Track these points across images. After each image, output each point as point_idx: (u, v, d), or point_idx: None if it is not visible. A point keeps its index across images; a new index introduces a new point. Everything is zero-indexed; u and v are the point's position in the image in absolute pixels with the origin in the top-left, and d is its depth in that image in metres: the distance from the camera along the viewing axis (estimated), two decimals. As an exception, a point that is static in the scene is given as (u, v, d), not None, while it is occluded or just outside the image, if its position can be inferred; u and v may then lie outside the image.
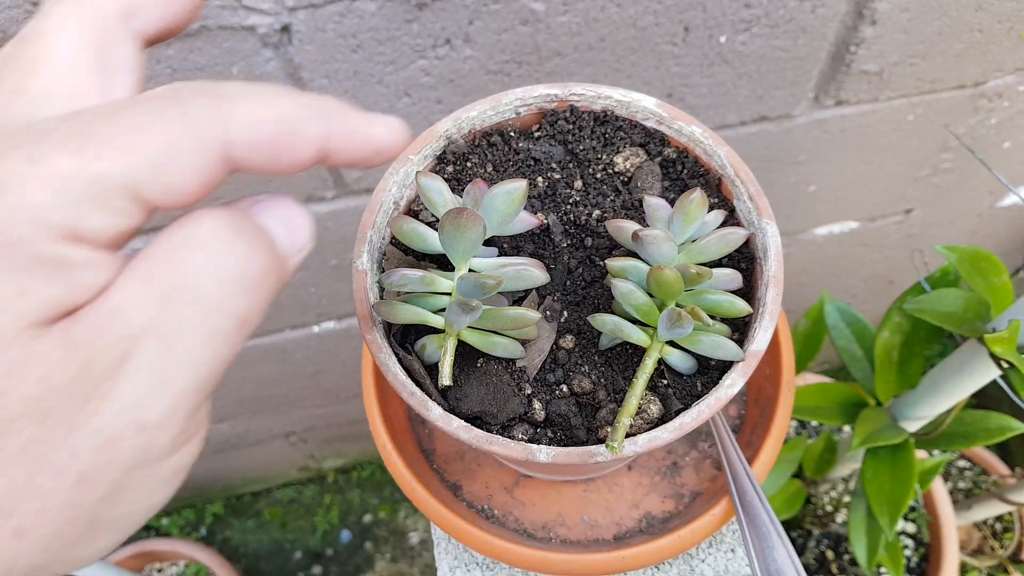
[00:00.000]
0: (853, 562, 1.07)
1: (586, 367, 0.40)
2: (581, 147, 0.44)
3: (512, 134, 0.45)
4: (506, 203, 0.37)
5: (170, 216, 0.23)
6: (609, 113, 0.44)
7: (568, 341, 0.40)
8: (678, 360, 0.38)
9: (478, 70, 0.75)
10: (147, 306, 0.21)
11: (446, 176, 0.44)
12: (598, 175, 0.44)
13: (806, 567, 1.07)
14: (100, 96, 0.25)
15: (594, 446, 0.36)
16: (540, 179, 0.44)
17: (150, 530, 1.56)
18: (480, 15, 0.69)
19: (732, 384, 0.36)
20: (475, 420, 0.38)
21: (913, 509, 1.10)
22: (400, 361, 0.38)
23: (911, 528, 1.09)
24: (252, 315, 0.23)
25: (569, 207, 0.43)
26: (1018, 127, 0.99)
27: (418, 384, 0.38)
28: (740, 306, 0.37)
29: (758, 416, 0.53)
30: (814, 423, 1.17)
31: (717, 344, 0.37)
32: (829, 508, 1.08)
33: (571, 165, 0.44)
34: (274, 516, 1.59)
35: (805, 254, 1.16)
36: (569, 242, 0.42)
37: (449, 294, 0.38)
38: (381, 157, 0.27)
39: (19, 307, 0.20)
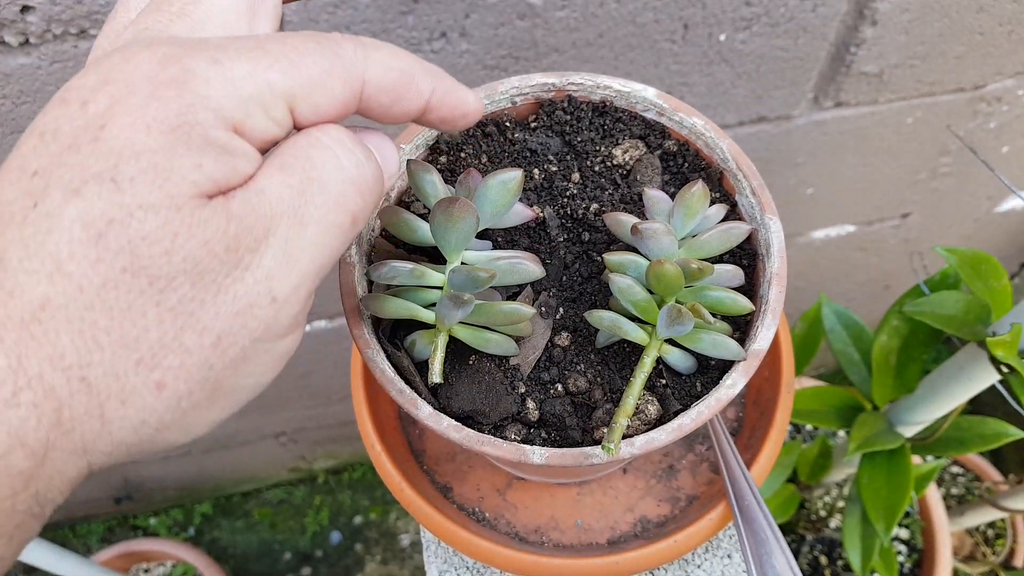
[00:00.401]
0: (847, 568, 1.06)
1: (582, 365, 0.38)
2: (579, 138, 0.43)
3: (508, 124, 0.43)
4: (500, 193, 0.35)
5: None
6: (608, 104, 0.43)
7: (564, 338, 0.39)
8: (677, 359, 0.37)
9: (474, 64, 0.74)
10: (286, 191, 0.25)
11: (439, 166, 0.43)
12: (596, 167, 0.42)
13: (799, 573, 1.06)
14: (247, 33, 0.28)
15: (589, 448, 0.34)
16: (536, 171, 0.42)
17: (137, 530, 1.54)
18: (477, 8, 0.68)
19: (733, 384, 0.35)
20: (466, 419, 0.37)
21: (907, 515, 1.09)
22: (389, 357, 0.37)
23: (904, 534, 1.08)
24: (361, 215, 0.27)
25: (566, 200, 0.41)
26: (1017, 132, 0.98)
27: (407, 381, 0.37)
28: (742, 303, 0.36)
29: (757, 419, 0.52)
30: (809, 427, 1.16)
31: (718, 343, 0.35)
32: (823, 513, 1.07)
33: (568, 157, 0.43)
34: (263, 517, 1.57)
35: (802, 257, 1.15)
36: (566, 236, 0.41)
37: (440, 288, 0.36)
38: (466, 120, 0.31)
39: (193, 176, 0.23)
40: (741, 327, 0.39)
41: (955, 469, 1.27)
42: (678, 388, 0.37)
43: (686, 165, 0.42)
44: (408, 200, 0.42)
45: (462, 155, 0.43)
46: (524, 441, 0.37)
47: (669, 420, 0.35)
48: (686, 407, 0.36)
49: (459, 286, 0.35)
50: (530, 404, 0.37)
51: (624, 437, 0.34)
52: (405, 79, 0.27)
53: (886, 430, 0.77)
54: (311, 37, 0.26)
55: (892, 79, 0.85)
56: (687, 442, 0.54)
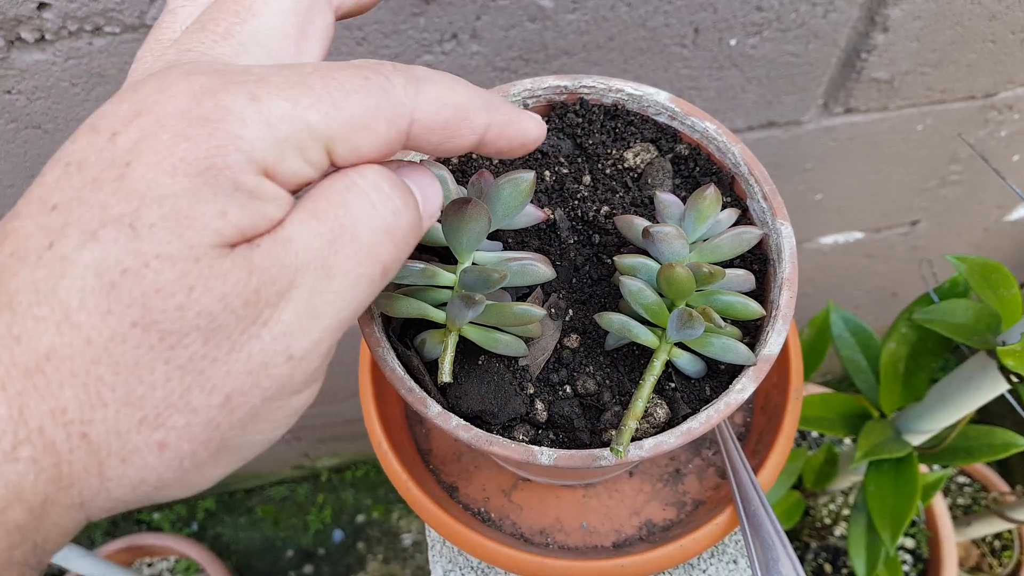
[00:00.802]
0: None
1: (591, 367, 0.38)
2: (590, 141, 0.43)
3: (520, 126, 0.43)
4: (512, 195, 0.35)
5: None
6: (620, 107, 0.43)
7: (573, 340, 0.39)
8: (687, 363, 0.37)
9: (485, 66, 0.74)
10: (316, 240, 0.23)
11: (451, 167, 0.43)
12: (607, 170, 0.42)
13: (803, 580, 1.06)
14: (295, 57, 0.27)
15: (598, 449, 0.34)
16: (547, 173, 0.42)
17: (141, 524, 1.55)
18: (488, 10, 0.68)
19: (743, 389, 0.35)
20: (475, 419, 0.37)
21: (913, 524, 1.09)
22: (399, 356, 0.37)
23: (910, 543, 1.08)
24: (393, 265, 0.25)
25: (577, 202, 0.41)
26: (1028, 140, 0.98)
27: (417, 381, 0.37)
28: (753, 308, 0.36)
29: (764, 424, 0.51)
30: (815, 434, 1.16)
31: (728, 347, 0.35)
32: (828, 521, 1.06)
33: (580, 159, 0.43)
34: (267, 514, 1.57)
35: (810, 263, 1.15)
36: (576, 238, 0.41)
37: (451, 288, 0.37)
38: (525, 149, 0.30)
39: (216, 224, 0.22)
40: (751, 332, 0.38)
41: (962, 479, 1.26)
42: (687, 392, 0.37)
43: (697, 169, 0.42)
44: (419, 200, 0.43)
45: (473, 156, 0.43)
46: (532, 442, 0.37)
47: (678, 423, 0.35)
48: (695, 411, 0.36)
49: (470, 286, 0.35)
50: (539, 405, 0.37)
51: (633, 440, 0.34)
52: (458, 117, 0.26)
53: (893, 438, 0.77)
54: (359, 70, 0.24)
55: (903, 86, 0.84)
56: (694, 446, 0.54)
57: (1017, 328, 0.60)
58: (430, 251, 0.41)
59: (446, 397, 0.38)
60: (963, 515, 1.18)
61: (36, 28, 0.61)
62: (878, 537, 0.82)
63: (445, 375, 0.36)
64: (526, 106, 0.44)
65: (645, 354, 0.38)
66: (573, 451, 0.34)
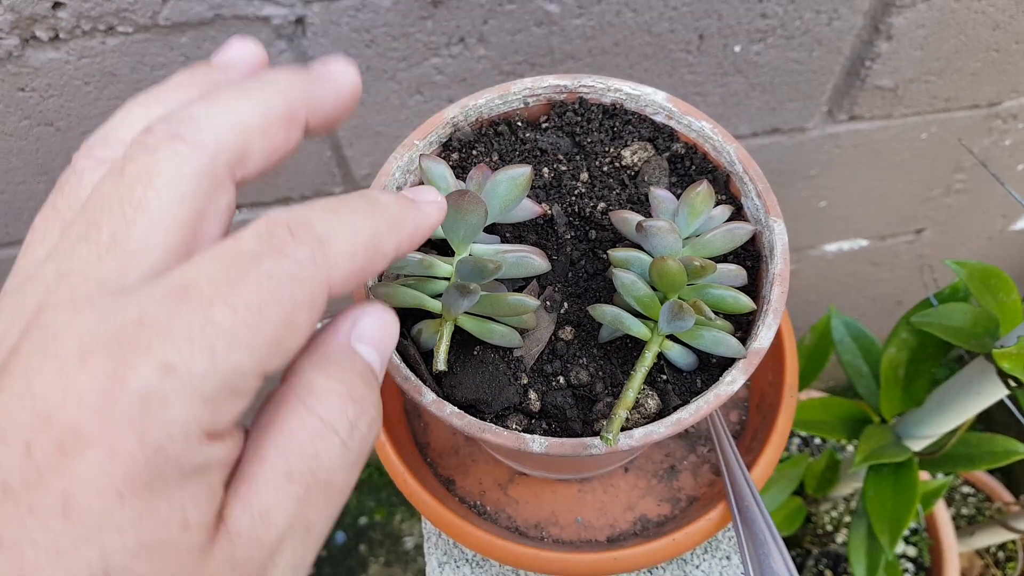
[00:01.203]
0: (852, 584, 1.05)
1: (584, 359, 0.39)
2: (589, 140, 0.44)
3: (519, 124, 0.44)
4: (509, 188, 0.36)
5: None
6: (618, 106, 0.44)
7: (567, 332, 0.40)
8: (678, 355, 0.38)
9: (491, 70, 0.75)
10: (291, 505, 0.22)
11: (451, 164, 0.44)
12: (605, 168, 0.43)
13: (804, 587, 1.06)
14: (192, 247, 0.24)
15: (589, 438, 0.35)
16: (546, 170, 0.43)
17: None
18: (495, 15, 0.69)
19: (732, 381, 0.35)
20: (469, 408, 0.37)
21: (915, 532, 1.08)
22: (395, 346, 0.38)
23: (912, 552, 1.08)
24: (356, 477, 0.24)
25: (574, 199, 0.42)
26: (1033, 150, 0.98)
27: (413, 369, 0.37)
28: (744, 302, 0.36)
29: (759, 423, 0.52)
30: (817, 440, 1.16)
31: (719, 340, 0.36)
32: (829, 528, 1.06)
33: (578, 157, 0.44)
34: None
35: (814, 270, 1.15)
36: (573, 234, 0.42)
37: (448, 279, 0.37)
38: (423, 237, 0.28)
39: (187, 541, 0.20)
40: (743, 327, 0.39)
41: (966, 489, 1.26)
42: (678, 384, 0.38)
43: (693, 168, 0.43)
44: (420, 195, 0.43)
45: (474, 153, 0.44)
46: (525, 431, 0.37)
47: (669, 415, 0.36)
48: (686, 403, 0.36)
49: (466, 276, 0.35)
50: (532, 395, 0.38)
51: (624, 429, 0.35)
52: (369, 257, 0.24)
53: (893, 443, 0.77)
54: (259, 269, 0.21)
55: (907, 94, 0.85)
56: (689, 444, 0.54)
57: (1016, 332, 0.60)
58: (429, 245, 0.42)
59: (441, 386, 0.38)
60: (967, 525, 1.18)
61: (51, 27, 0.62)
62: (878, 543, 0.82)
63: (440, 363, 0.37)
64: (526, 104, 0.44)
65: (638, 347, 0.39)
66: (564, 439, 0.35)
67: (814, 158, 0.92)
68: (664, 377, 0.38)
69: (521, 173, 0.36)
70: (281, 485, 0.22)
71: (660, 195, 0.38)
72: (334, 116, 0.28)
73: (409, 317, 0.40)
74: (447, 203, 0.34)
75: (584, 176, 0.43)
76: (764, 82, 0.81)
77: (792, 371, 0.50)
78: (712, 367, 0.39)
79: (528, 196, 0.39)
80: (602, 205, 0.42)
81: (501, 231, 0.41)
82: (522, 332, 0.39)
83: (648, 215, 0.40)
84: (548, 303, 0.40)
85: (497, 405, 0.37)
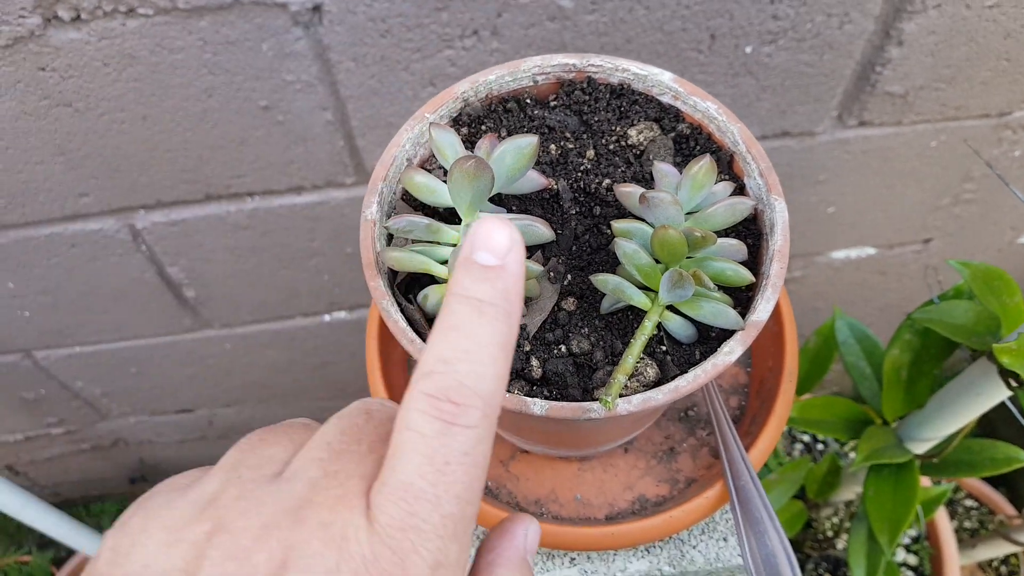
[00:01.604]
0: (852, 591, 1.05)
1: (586, 329, 0.40)
2: (596, 118, 0.44)
3: (528, 101, 0.45)
4: (516, 158, 0.37)
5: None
6: (626, 86, 0.45)
7: (570, 303, 0.40)
8: (678, 327, 0.38)
9: (503, 63, 0.76)
10: None
11: (460, 137, 0.44)
12: (611, 146, 0.44)
13: (804, 594, 1.06)
14: None
15: (587, 403, 0.35)
16: (553, 147, 0.44)
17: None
18: (509, 8, 0.70)
19: (730, 352, 0.36)
20: (472, 373, 0.38)
21: (916, 540, 1.08)
22: (402, 310, 0.39)
23: (913, 560, 1.07)
24: None
25: (580, 175, 0.43)
26: (1042, 162, 0.98)
27: (418, 334, 0.38)
28: (744, 274, 0.37)
29: (758, 408, 0.52)
30: (820, 446, 1.16)
31: (718, 311, 0.37)
32: (830, 533, 1.06)
33: (584, 135, 0.44)
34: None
35: (821, 277, 1.15)
36: (578, 209, 0.42)
37: (454, 245, 0.38)
38: None
39: None
40: (743, 303, 0.40)
41: (969, 502, 1.25)
42: (677, 355, 0.39)
43: (698, 148, 0.44)
44: (430, 168, 0.44)
45: (483, 128, 0.44)
46: (526, 396, 0.38)
47: (667, 383, 0.36)
48: (684, 372, 0.37)
49: (471, 241, 0.36)
50: (534, 362, 0.39)
51: (622, 396, 0.36)
52: (508, 359, 0.27)
53: (895, 444, 0.77)
54: (459, 453, 0.24)
55: (917, 101, 0.85)
56: (689, 426, 0.55)
57: (1018, 332, 0.60)
58: (437, 215, 0.42)
59: (445, 352, 0.39)
60: (969, 538, 1.17)
61: (73, 7, 0.63)
62: (878, 546, 0.82)
63: (444, 327, 0.37)
64: (536, 83, 0.45)
65: (638, 318, 0.40)
66: (564, 403, 0.35)
67: (823, 163, 0.92)
68: (663, 348, 0.39)
69: (528, 143, 0.37)
70: None
71: (663, 168, 0.39)
72: None
73: (417, 284, 0.41)
74: (455, 168, 0.35)
75: (590, 153, 0.44)
76: (774, 84, 0.82)
77: (792, 356, 0.51)
78: (711, 340, 0.39)
79: (535, 170, 0.40)
80: (607, 182, 0.42)
81: (507, 203, 0.42)
82: (526, 300, 0.40)
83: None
84: (552, 274, 0.41)
85: (499, 370, 0.38)
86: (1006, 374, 0.62)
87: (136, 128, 0.76)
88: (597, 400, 0.37)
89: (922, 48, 0.79)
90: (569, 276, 0.41)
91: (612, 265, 0.41)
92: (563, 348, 0.39)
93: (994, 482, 1.27)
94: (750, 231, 0.41)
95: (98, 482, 1.46)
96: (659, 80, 0.44)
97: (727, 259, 0.37)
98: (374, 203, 0.40)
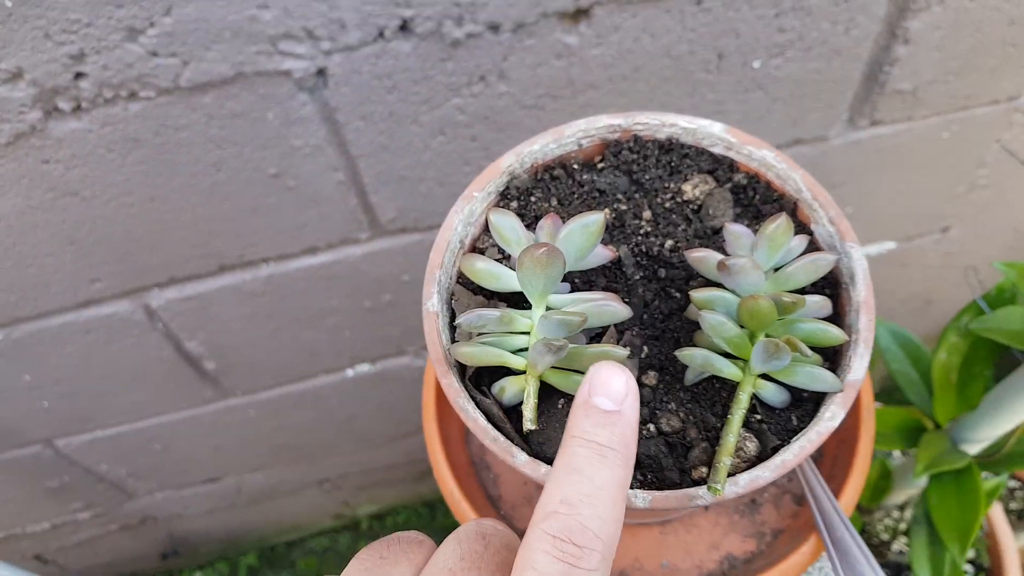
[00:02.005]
0: (912, 591, 1.04)
1: (673, 404, 0.38)
2: (647, 176, 0.43)
3: (575, 166, 0.43)
4: (583, 237, 0.35)
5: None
6: (674, 141, 0.43)
7: (650, 378, 0.39)
8: (772, 394, 0.37)
9: (513, 106, 0.74)
10: None
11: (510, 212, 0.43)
12: (667, 204, 0.42)
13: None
14: None
15: (692, 488, 0.34)
16: (607, 211, 0.42)
17: (183, 585, 1.54)
18: (514, 51, 0.68)
19: (832, 417, 0.34)
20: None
21: (971, 534, 1.07)
22: (477, 405, 0.37)
23: (970, 553, 1.06)
24: None
25: (640, 238, 0.41)
26: (1053, 141, 0.98)
27: (498, 429, 0.36)
28: (835, 334, 0.35)
29: (836, 447, 0.51)
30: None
31: (815, 375, 0.35)
32: (886, 537, 1.05)
33: (637, 195, 0.43)
34: (309, 567, 1.56)
35: (841, 277, 1.14)
36: (642, 274, 0.41)
37: (527, 332, 0.36)
38: None
39: None
40: (829, 357, 0.38)
41: (1012, 483, 1.24)
42: (774, 423, 0.37)
43: (757, 197, 0.42)
44: (482, 247, 0.43)
45: (532, 199, 0.43)
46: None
47: (768, 456, 0.35)
48: (784, 442, 0.35)
49: (551, 331, 0.35)
50: (624, 446, 0.37)
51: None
52: (624, 499, 0.27)
53: (951, 449, 0.76)
54: None
55: (926, 95, 0.85)
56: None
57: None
58: (499, 297, 0.41)
59: (528, 443, 0.37)
60: (1017, 520, 1.16)
61: (73, 97, 0.61)
62: (941, 549, 0.80)
63: (529, 423, 0.36)
64: (580, 146, 0.44)
65: (725, 387, 0.38)
66: (668, 492, 0.34)
67: (838, 166, 0.91)
68: (758, 417, 0.37)
69: (594, 220, 0.35)
70: None
71: (736, 230, 0.37)
72: None
73: (484, 375, 0.39)
74: (525, 257, 0.34)
75: (647, 214, 0.42)
76: (785, 95, 0.81)
77: (867, 392, 0.49)
78: (805, 402, 0.37)
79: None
80: (669, 242, 0.41)
81: (570, 277, 0.40)
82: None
83: (720, 250, 0.39)
84: (629, 349, 0.39)
85: (590, 460, 0.36)
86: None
87: (145, 210, 0.74)
88: (696, 482, 0.36)
89: (929, 44, 0.78)
90: (645, 348, 0.39)
91: (688, 331, 0.39)
92: (652, 428, 0.37)
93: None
94: (826, 281, 0.40)
95: (129, 561, 1.43)
96: (709, 132, 0.42)
97: (815, 320, 0.36)
98: (434, 293, 0.39)
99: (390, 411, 1.18)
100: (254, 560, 1.55)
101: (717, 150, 0.43)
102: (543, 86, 0.73)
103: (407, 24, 0.63)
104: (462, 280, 0.41)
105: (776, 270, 0.37)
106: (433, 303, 0.38)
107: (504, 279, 0.37)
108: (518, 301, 0.39)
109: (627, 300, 0.40)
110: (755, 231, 0.38)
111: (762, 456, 0.36)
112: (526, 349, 0.36)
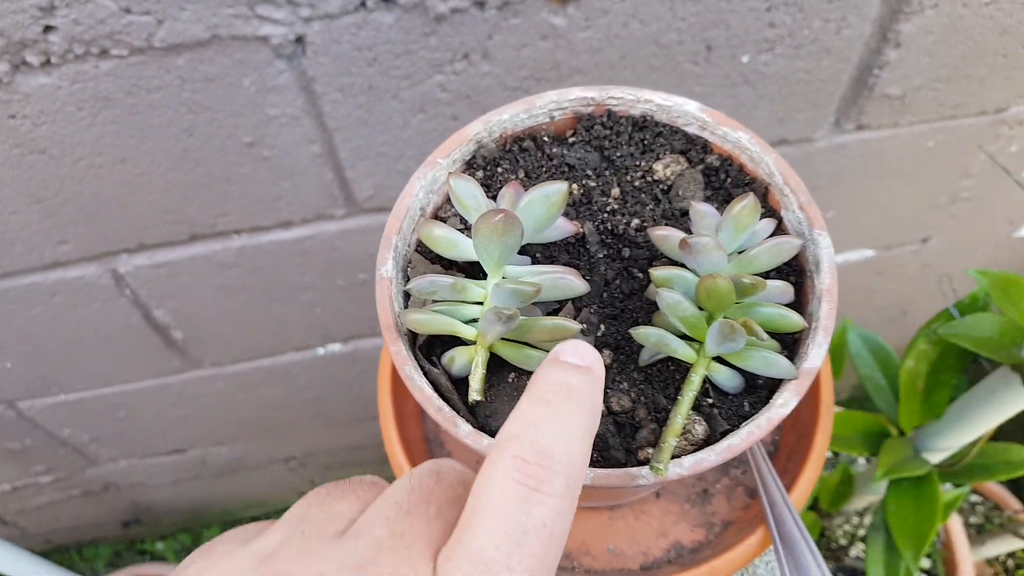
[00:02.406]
0: (868, 599, 1.04)
1: (625, 384, 0.37)
2: (618, 154, 0.42)
3: (545, 139, 0.43)
4: (544, 207, 0.35)
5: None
6: (648, 118, 0.42)
7: (606, 356, 0.38)
8: (725, 378, 0.36)
9: (496, 86, 0.73)
10: None
11: (478, 179, 0.42)
12: (636, 183, 0.41)
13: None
14: None
15: (636, 468, 0.33)
16: (575, 186, 0.41)
17: (144, 554, 1.52)
18: (500, 29, 0.67)
19: (784, 404, 0.33)
20: (507, 439, 0.35)
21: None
22: (425, 374, 0.36)
23: (926, 563, 1.06)
24: None
25: (606, 216, 0.40)
26: (1038, 156, 0.98)
27: (445, 399, 0.35)
28: (794, 320, 0.35)
29: (794, 442, 0.50)
30: (829, 454, 1.15)
31: (769, 361, 0.34)
32: (844, 542, 1.05)
33: (607, 172, 0.42)
34: (270, 543, 1.54)
35: (819, 282, 1.14)
36: (606, 252, 0.40)
37: (480, 303, 0.36)
38: None
39: None
40: (788, 345, 0.37)
41: (974, 498, 1.25)
42: (725, 408, 0.36)
43: (729, 180, 0.41)
44: (444, 216, 0.42)
45: (499, 170, 0.42)
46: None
47: (717, 440, 0.34)
48: (734, 427, 0.34)
49: (503, 301, 0.34)
50: (573, 424, 0.36)
51: (672, 457, 0.33)
52: (590, 445, 0.26)
53: (912, 456, 0.75)
54: (538, 526, 0.23)
55: (914, 102, 0.84)
56: (722, 466, 0.52)
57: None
58: (456, 267, 0.40)
59: (475, 416, 0.36)
60: (976, 534, 1.16)
61: (42, 51, 0.60)
62: (896, 556, 0.80)
63: (475, 394, 0.35)
64: (552, 118, 0.43)
65: (680, 369, 0.37)
66: (611, 470, 0.33)
67: (821, 169, 0.91)
68: (710, 401, 0.36)
69: (556, 190, 0.34)
70: None
71: (703, 209, 0.36)
72: None
73: (437, 344, 0.38)
74: (481, 223, 0.33)
75: (615, 192, 0.41)
76: (772, 92, 0.80)
77: (827, 388, 0.49)
78: (759, 388, 0.37)
79: (561, 216, 0.38)
80: (636, 221, 0.40)
81: (531, 251, 0.40)
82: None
83: (686, 230, 0.38)
84: (585, 326, 0.38)
85: (537, 435, 0.35)
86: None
87: (115, 172, 0.72)
88: (642, 463, 0.35)
89: (920, 49, 0.78)
90: (602, 327, 0.38)
91: (648, 312, 0.39)
92: (601, 407, 0.37)
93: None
94: (790, 268, 0.39)
95: (91, 527, 1.42)
96: (685, 110, 0.41)
97: (775, 304, 0.35)
98: (389, 259, 0.38)
99: (359, 392, 1.17)
100: (217, 533, 1.54)
101: (692, 129, 0.42)
102: (528, 68, 0.72)
103: (390, -8, 0.62)
104: (420, 249, 0.40)
105: (741, 253, 0.36)
106: (387, 268, 0.37)
107: (461, 247, 0.37)
108: (477, 273, 0.38)
109: (588, 277, 0.39)
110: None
111: (710, 440, 0.35)
112: (479, 320, 0.35)
